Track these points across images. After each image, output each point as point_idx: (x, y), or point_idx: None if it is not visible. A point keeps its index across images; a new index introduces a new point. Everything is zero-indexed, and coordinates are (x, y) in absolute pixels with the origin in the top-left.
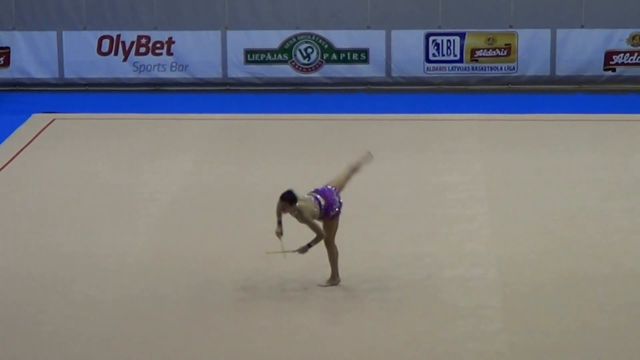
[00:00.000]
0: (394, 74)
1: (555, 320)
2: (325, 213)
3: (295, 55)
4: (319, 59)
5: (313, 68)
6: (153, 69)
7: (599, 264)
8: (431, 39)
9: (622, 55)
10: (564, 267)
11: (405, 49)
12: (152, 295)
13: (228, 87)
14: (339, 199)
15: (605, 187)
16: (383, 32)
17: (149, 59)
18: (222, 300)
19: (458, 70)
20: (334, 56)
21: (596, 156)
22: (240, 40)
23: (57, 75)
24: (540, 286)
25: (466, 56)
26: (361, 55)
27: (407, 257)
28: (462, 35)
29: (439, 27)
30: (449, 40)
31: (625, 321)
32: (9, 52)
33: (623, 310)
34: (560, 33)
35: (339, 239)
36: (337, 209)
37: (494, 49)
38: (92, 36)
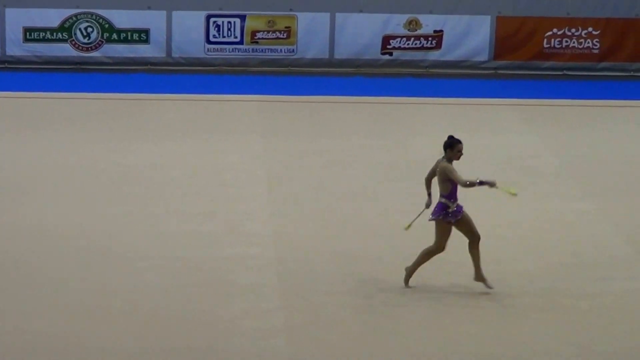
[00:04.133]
0: (174, 55)
1: (330, 298)
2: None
3: (75, 34)
4: (99, 38)
5: (93, 47)
6: None
7: (374, 243)
8: (212, 20)
9: (398, 39)
10: (341, 246)
11: (186, 30)
12: None
13: (7, 65)
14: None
15: (382, 169)
16: (164, 13)
17: None
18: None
19: (238, 51)
20: (115, 36)
21: (374, 138)
22: (20, 17)
23: None
24: (316, 265)
25: (246, 38)
26: (142, 36)
27: (188, 235)
28: (242, 17)
29: (220, 9)
30: (229, 22)
31: (399, 298)
32: None
33: (397, 289)
34: (339, 17)
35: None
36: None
37: (274, 32)
38: None
